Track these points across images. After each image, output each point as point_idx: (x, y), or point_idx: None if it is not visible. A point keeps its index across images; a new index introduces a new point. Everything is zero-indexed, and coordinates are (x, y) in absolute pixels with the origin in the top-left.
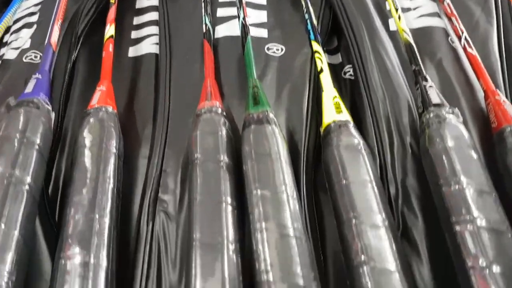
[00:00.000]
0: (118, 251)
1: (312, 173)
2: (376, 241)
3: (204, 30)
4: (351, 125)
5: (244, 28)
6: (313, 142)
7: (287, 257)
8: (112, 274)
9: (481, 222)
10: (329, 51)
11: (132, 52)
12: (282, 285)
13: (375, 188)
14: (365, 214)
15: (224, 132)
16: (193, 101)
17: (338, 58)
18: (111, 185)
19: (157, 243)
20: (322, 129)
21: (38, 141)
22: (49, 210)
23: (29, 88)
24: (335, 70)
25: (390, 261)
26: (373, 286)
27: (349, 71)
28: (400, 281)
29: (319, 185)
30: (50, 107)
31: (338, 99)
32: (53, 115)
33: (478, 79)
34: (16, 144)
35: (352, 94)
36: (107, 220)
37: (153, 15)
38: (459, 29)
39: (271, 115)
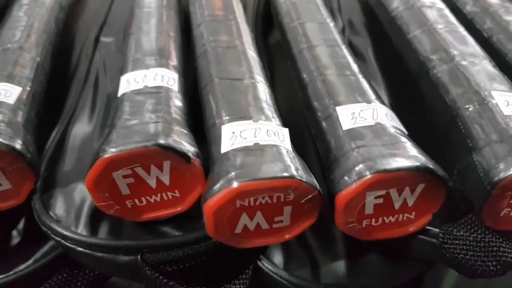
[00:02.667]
0: (54, 59)
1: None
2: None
3: None
4: None
5: None
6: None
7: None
8: (44, 69)
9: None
10: None
11: None
12: None
13: (319, 3)
14: (308, 16)
15: None
16: None
17: None
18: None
19: (95, 69)
20: None
21: None
22: None
23: None
24: None
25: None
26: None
27: None
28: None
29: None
30: None
31: None
32: None
33: None
34: None
35: None
36: (44, 35)
37: None
38: None
39: None
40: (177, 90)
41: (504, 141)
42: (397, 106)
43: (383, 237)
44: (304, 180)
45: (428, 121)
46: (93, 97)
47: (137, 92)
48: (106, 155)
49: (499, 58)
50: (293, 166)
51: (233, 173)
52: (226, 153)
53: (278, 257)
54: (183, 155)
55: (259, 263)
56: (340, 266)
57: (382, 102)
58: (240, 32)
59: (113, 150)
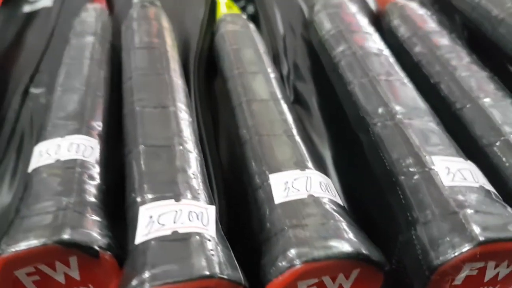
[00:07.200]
0: None
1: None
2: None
3: None
4: (244, 16)
5: None
6: (207, 46)
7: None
8: None
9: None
10: None
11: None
12: None
13: (261, 51)
14: (249, 65)
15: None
16: None
17: None
18: None
19: (21, 128)
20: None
21: None
22: None
23: None
24: None
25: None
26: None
27: None
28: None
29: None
30: None
31: (230, 4)
32: None
33: None
34: None
35: None
36: None
37: None
38: None
39: (158, 2)
40: (93, 161)
41: (444, 218)
42: (340, 162)
43: None
44: (226, 277)
45: (373, 178)
46: (16, 163)
47: (48, 167)
48: (4, 255)
49: (445, 108)
50: (214, 261)
51: (146, 275)
52: (140, 244)
53: None
54: (89, 251)
55: None
56: None
57: (318, 166)
58: (173, 89)
59: (10, 249)
